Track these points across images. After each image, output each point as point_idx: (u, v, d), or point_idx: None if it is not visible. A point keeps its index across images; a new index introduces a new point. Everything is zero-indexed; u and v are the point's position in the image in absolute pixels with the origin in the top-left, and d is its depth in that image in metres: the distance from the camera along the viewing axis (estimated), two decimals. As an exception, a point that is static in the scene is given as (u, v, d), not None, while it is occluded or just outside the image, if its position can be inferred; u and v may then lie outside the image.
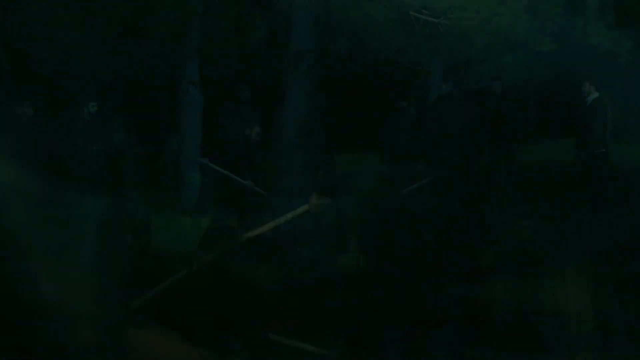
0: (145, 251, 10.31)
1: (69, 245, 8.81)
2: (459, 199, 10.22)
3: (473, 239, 9.82)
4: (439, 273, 7.64)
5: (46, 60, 11.66)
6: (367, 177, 13.43)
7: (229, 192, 12.94)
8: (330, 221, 8.68)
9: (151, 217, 11.10)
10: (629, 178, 12.51)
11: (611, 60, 19.06)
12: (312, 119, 6.99)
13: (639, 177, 12.60)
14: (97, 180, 12.84)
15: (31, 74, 11.86)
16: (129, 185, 12.29)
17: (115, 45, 11.56)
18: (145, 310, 7.56)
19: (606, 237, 9.97)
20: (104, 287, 7.55)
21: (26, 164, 9.91)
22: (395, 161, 14.00)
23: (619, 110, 15.66)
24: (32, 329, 6.51)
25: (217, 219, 10.39)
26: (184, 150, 13.96)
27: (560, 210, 12.99)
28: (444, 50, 13.20)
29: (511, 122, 13.18)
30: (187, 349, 6.91)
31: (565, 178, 15.45)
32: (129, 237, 10.37)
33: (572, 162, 11.98)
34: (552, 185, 14.98)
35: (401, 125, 13.96)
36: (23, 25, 11.37)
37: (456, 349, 5.39)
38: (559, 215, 12.50)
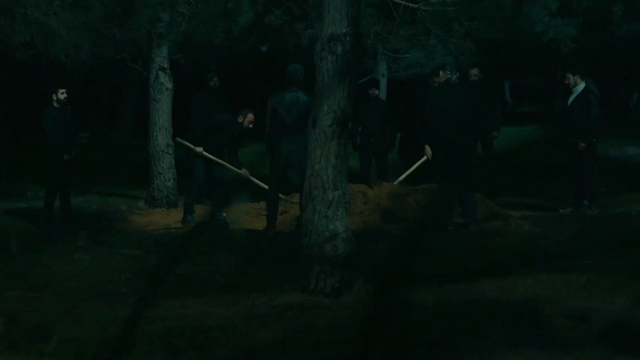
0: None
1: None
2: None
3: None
4: None
5: (26, 45, 10.87)
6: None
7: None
8: None
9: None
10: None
11: (554, 47, 19.44)
12: (347, 106, 6.64)
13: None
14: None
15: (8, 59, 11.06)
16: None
17: (100, 29, 10.90)
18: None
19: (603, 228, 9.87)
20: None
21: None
22: (368, 150, 13.76)
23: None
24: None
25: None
26: (154, 139, 13.22)
27: (544, 200, 13.03)
28: (422, 37, 12.99)
29: (489, 109, 13.09)
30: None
31: (544, 167, 15.58)
32: None
33: (561, 151, 11.93)
34: (532, 174, 15.04)
35: (375, 114, 13.73)
36: (2, 8, 10.58)
37: None
38: (543, 206, 12.52)
